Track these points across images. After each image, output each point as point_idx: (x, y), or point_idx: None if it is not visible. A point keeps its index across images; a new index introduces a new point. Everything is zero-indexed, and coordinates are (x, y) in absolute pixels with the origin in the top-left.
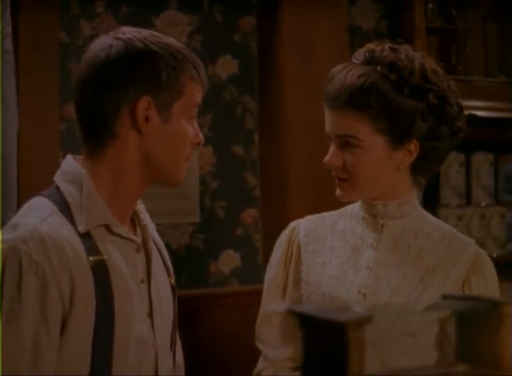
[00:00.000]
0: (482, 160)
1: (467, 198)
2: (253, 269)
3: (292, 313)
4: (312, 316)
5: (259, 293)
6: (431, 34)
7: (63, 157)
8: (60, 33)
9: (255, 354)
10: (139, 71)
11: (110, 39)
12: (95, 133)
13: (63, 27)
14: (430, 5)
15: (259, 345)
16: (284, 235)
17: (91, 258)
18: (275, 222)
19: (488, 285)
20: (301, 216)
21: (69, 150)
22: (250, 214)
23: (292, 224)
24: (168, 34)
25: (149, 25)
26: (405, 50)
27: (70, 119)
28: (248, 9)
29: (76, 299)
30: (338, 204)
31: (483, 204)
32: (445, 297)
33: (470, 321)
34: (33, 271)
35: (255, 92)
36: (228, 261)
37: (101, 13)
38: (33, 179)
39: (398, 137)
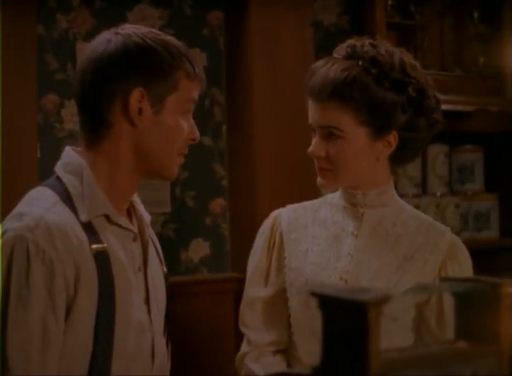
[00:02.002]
0: (438, 152)
1: (423, 188)
2: (221, 258)
3: (313, 294)
4: (333, 297)
5: (227, 281)
6: (390, 29)
7: (41, 148)
8: (38, 26)
9: (223, 338)
10: (134, 64)
11: (110, 35)
12: (92, 124)
13: (40, 21)
14: (389, 1)
15: (243, 329)
16: (267, 224)
17: (93, 247)
18: (243, 211)
19: (463, 271)
20: (267, 206)
21: (46, 141)
22: (218, 203)
23: (274, 213)
24: None
25: (121, 19)
26: (384, 46)
27: (47, 110)
28: (216, 4)
29: (80, 286)
30: (305, 195)
31: (438, 194)
32: (443, 279)
33: (469, 301)
34: (40, 259)
35: (223, 84)
36: (198, 249)
37: (76, 7)
38: (13, 171)
39: (378, 129)
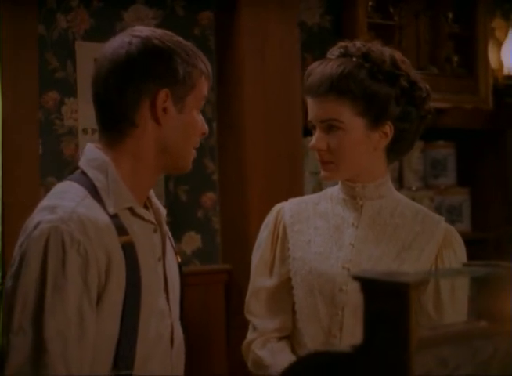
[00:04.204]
0: (413, 147)
1: (400, 182)
2: (212, 250)
3: (354, 278)
4: (375, 280)
5: (218, 272)
6: (369, 30)
7: (42, 144)
8: (38, 26)
9: (213, 327)
10: (159, 66)
11: (128, 37)
12: (116, 124)
13: (40, 21)
14: (369, 2)
15: (248, 317)
16: (270, 217)
17: (121, 238)
18: (233, 205)
19: (458, 258)
20: (256, 200)
21: (47, 137)
22: (209, 197)
23: (277, 207)
24: None
25: (118, 19)
26: (374, 45)
27: (48, 108)
28: (207, 4)
29: (110, 276)
30: (293, 189)
31: (414, 188)
32: (466, 264)
33: (488, 284)
34: (75, 249)
35: (213, 82)
36: (190, 242)
37: (75, 7)
38: (15, 166)
39: (375, 119)
